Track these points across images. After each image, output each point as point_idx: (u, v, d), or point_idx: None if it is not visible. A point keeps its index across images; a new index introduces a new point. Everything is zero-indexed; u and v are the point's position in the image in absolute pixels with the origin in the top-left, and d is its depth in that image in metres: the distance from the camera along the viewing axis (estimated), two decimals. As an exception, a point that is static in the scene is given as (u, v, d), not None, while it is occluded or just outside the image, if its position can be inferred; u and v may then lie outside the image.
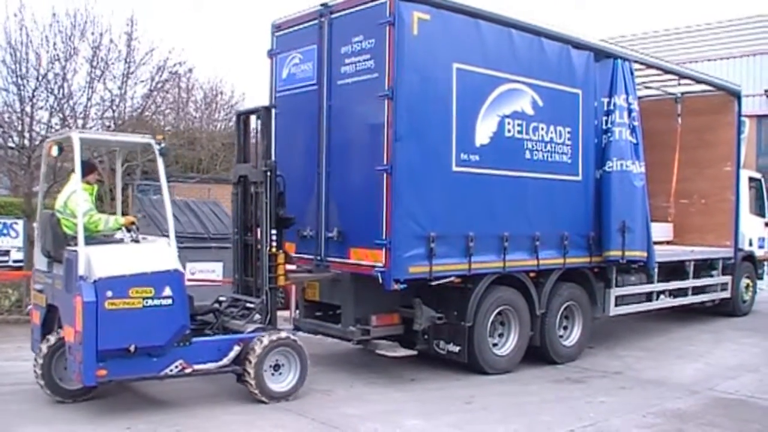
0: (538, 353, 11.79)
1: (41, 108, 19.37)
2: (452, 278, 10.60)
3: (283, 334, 9.56)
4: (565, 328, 12.31)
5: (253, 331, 9.51)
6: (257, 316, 9.78)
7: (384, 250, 9.77)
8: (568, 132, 11.83)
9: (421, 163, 9.99)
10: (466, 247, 10.45)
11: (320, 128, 10.81)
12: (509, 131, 11.04)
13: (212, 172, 30.26)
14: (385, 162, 9.75)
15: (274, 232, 9.88)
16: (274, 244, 9.91)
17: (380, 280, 9.79)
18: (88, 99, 20.51)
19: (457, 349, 10.80)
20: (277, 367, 9.44)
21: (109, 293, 8.45)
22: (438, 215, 10.17)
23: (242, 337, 9.37)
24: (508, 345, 11.40)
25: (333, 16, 10.69)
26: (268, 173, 9.91)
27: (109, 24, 20.49)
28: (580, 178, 12.05)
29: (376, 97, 9.86)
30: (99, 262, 8.58)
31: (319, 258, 10.88)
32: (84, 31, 19.93)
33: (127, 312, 8.51)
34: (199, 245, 16.72)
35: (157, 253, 9.14)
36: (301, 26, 11.29)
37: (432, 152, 10.16)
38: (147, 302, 8.62)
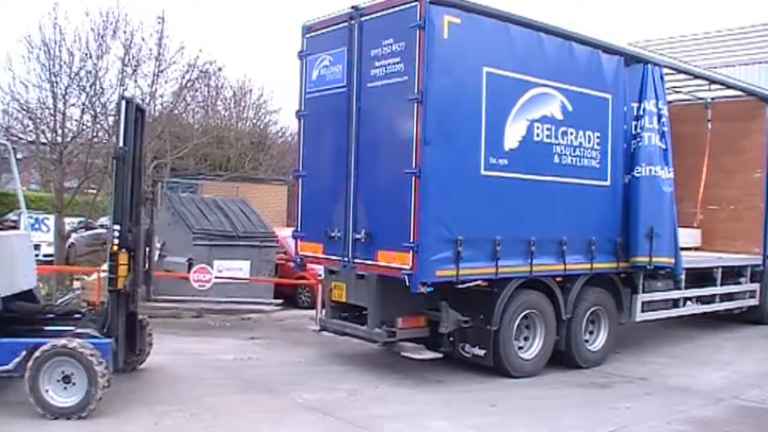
0: (563, 357, 11.77)
1: (73, 105, 19.59)
2: (479, 282, 10.61)
3: (73, 343, 8.45)
4: (591, 332, 12.27)
5: (54, 336, 8.80)
6: (90, 321, 9.40)
7: (411, 252, 9.79)
8: (597, 137, 11.79)
9: (449, 166, 10.01)
10: (493, 251, 10.45)
11: (349, 130, 10.83)
12: (538, 135, 11.03)
13: (240, 171, 30.38)
14: (413, 165, 9.77)
15: (116, 227, 9.18)
16: (116, 241, 9.20)
17: (407, 283, 9.81)
18: (120, 96, 20.65)
19: (482, 352, 10.80)
20: (67, 379, 8.46)
21: None
22: (465, 219, 10.17)
23: (30, 342, 8.62)
24: (533, 349, 11.39)
25: (363, 18, 10.72)
26: (116, 161, 9.27)
27: (140, 22, 20.61)
28: (608, 183, 12.01)
29: (405, 100, 9.88)
30: None
31: (346, 259, 10.91)
32: (116, 30, 20.11)
33: None
34: (227, 243, 16.86)
35: None
36: (331, 28, 11.32)
37: (461, 156, 10.17)
38: None
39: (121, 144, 9.25)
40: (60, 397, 8.45)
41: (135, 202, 9.65)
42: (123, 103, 9.36)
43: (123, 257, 9.17)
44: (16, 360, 8.56)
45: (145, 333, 10.42)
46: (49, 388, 8.44)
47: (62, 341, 8.49)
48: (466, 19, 10.10)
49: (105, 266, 9.76)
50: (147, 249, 10.01)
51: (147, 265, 9.99)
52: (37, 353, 8.37)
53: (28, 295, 10.05)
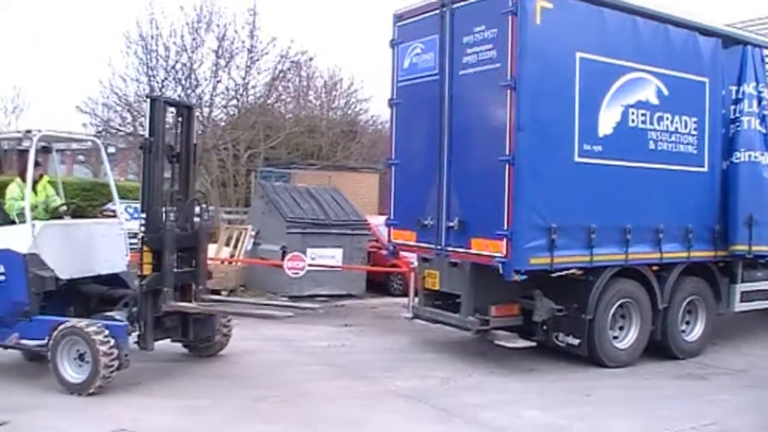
0: (658, 348, 11.55)
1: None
2: (573, 270, 10.51)
3: (81, 324, 9.02)
4: (688, 323, 12.02)
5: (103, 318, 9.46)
6: (127, 305, 9.82)
7: (505, 240, 9.75)
8: (694, 122, 11.53)
9: (543, 153, 9.92)
10: (588, 239, 10.34)
11: (442, 118, 10.82)
12: (633, 121, 10.86)
13: (332, 160, 30.59)
14: (507, 152, 9.72)
15: (126, 204, 9.64)
16: (143, 229, 9.63)
17: (500, 271, 9.78)
18: (214, 88, 21.07)
19: (576, 341, 10.70)
20: (81, 357, 8.98)
21: None
22: (559, 206, 10.07)
23: (56, 321, 9.24)
24: (628, 338, 11.22)
25: (455, 5, 10.68)
26: (143, 151, 9.78)
27: (233, 15, 20.94)
28: (705, 169, 11.72)
29: (498, 87, 9.83)
30: None
31: (439, 247, 10.91)
32: (210, 23, 20.47)
33: None
34: (319, 231, 17.00)
35: (11, 235, 9.65)
36: (422, 16, 11.32)
37: (554, 143, 10.08)
38: None
39: (147, 135, 9.69)
40: (74, 373, 9.01)
41: (187, 200, 10.16)
42: (149, 101, 9.88)
43: (147, 255, 9.51)
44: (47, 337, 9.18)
45: (209, 323, 10.53)
46: (66, 364, 9.05)
47: (73, 321, 9.13)
48: (559, 4, 9.97)
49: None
50: (196, 248, 10.24)
51: (196, 264, 10.21)
52: (55, 332, 9.03)
53: (116, 279, 10.48)
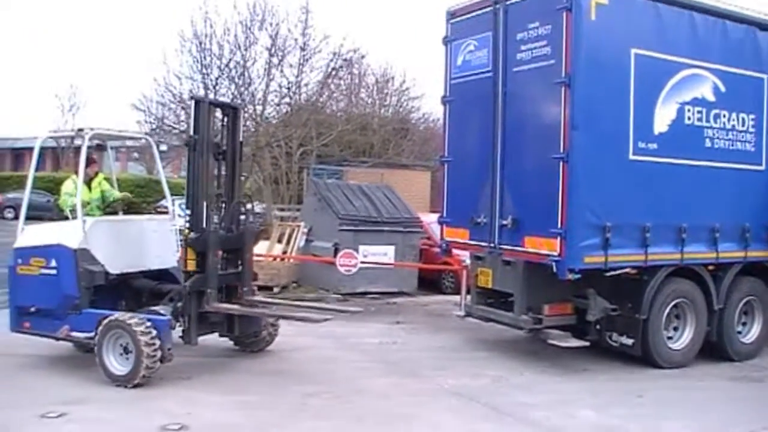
0: (714, 349, 11.38)
1: (223, 95, 20.19)
2: (627, 269, 10.41)
3: (125, 317, 9.22)
4: (744, 324, 11.81)
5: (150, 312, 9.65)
6: (173, 300, 9.94)
7: (559, 239, 9.70)
8: (752, 119, 11.34)
9: (597, 151, 9.85)
10: (642, 238, 10.24)
11: (495, 115, 10.77)
12: (689, 119, 10.72)
13: (384, 157, 30.63)
14: (561, 150, 9.66)
15: (180, 201, 9.84)
16: (188, 225, 9.79)
17: (554, 269, 9.73)
18: (267, 86, 21.20)
19: (630, 341, 10.59)
20: (126, 349, 9.13)
21: (20, 260, 10.01)
22: (614, 205, 10.00)
23: (102, 314, 9.43)
24: (683, 339, 11.08)
25: (508, 2, 10.65)
26: (188, 148, 10.00)
27: (285, 13, 21.06)
28: (763, 167, 11.52)
29: (552, 84, 9.78)
30: (23, 234, 10.19)
31: (492, 245, 10.88)
32: (263, 21, 20.59)
33: (29, 277, 9.92)
34: (371, 228, 17.02)
35: (63, 230, 9.95)
36: (476, 13, 11.29)
37: (609, 140, 10.00)
38: (41, 271, 9.80)
39: (191, 133, 9.94)
40: (119, 365, 9.18)
41: (231, 202, 10.26)
42: (193, 102, 10.17)
43: (191, 252, 9.65)
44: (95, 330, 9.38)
45: (254, 319, 10.58)
46: (111, 356, 9.24)
47: (118, 315, 9.32)
48: (614, 0, 9.87)
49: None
50: (242, 249, 10.35)
51: (241, 266, 10.33)
52: (101, 325, 9.25)
53: (166, 275, 10.67)
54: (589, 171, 9.76)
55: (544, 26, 10.04)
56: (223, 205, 10.24)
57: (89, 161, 10.67)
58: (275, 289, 16.59)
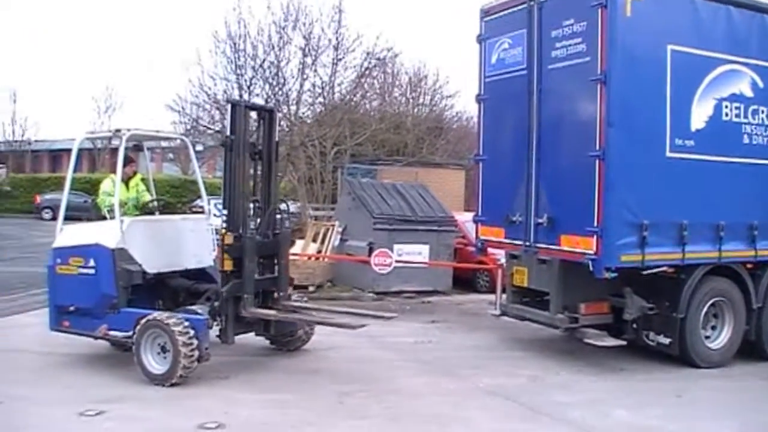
0: (753, 348, 11.23)
1: (257, 95, 20.26)
2: (664, 268, 10.33)
3: (162, 317, 9.29)
4: (784, 322, 11.68)
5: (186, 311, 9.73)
6: (210, 300, 10.01)
7: (595, 237, 9.64)
8: (791, 115, 11.21)
9: (634, 148, 9.77)
10: (680, 236, 10.15)
11: (530, 113, 10.73)
12: (726, 115, 10.61)
13: (418, 156, 30.60)
14: (597, 148, 9.61)
15: (216, 201, 9.81)
16: (225, 225, 9.87)
17: (590, 268, 9.67)
18: (300, 86, 21.26)
19: (667, 340, 10.49)
20: (164, 348, 9.19)
21: (59, 260, 10.10)
22: (651, 202, 9.92)
23: (140, 313, 9.50)
24: (721, 338, 10.96)
25: (543, -1, 10.60)
26: (224, 148, 10.03)
27: (319, 12, 21.10)
28: (803, 164, 11.38)
29: (588, 82, 9.72)
30: (62, 234, 10.29)
31: (527, 244, 10.84)
32: (296, 21, 20.64)
33: (68, 277, 10.01)
34: (406, 227, 17.01)
35: (101, 230, 10.05)
36: (510, 11, 11.26)
37: (645, 138, 9.92)
38: (80, 270, 9.88)
39: (228, 133, 10.02)
40: (157, 364, 9.24)
41: (267, 207, 10.32)
42: (230, 106, 10.32)
43: (228, 238, 9.70)
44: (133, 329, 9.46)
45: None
46: (149, 355, 9.30)
47: (155, 314, 9.39)
48: (650, -4, 9.82)
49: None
50: (278, 254, 10.38)
51: (277, 271, 10.34)
52: (139, 324, 9.32)
53: (203, 274, 10.76)
54: (625, 169, 9.69)
55: (579, 23, 9.97)
56: (260, 208, 10.29)
57: (128, 161, 10.80)
58: (310, 288, 16.64)
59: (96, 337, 10.03)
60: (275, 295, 10.30)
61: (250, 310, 9.73)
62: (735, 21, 10.64)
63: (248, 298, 9.70)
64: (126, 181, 10.84)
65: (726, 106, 10.59)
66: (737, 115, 10.71)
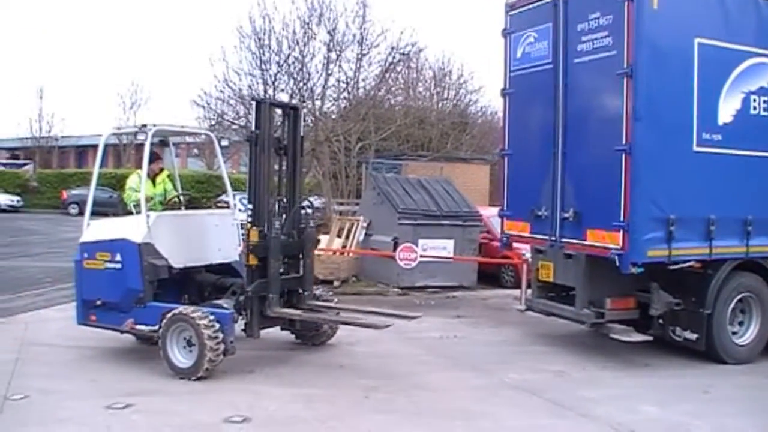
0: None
1: (282, 91, 20.31)
2: (691, 263, 10.27)
3: (187, 310, 9.40)
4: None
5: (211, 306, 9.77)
6: (235, 294, 10.07)
7: (622, 232, 9.59)
8: (821, 109, 11.08)
9: (661, 143, 9.70)
10: (707, 231, 10.08)
11: (556, 107, 10.68)
12: (755, 109, 10.52)
13: (443, 151, 30.57)
14: (624, 142, 9.54)
15: (241, 196, 9.91)
16: (250, 219, 9.86)
17: (617, 263, 9.63)
18: (325, 81, 21.29)
19: (694, 336, 10.43)
20: (190, 342, 9.27)
21: (86, 255, 10.20)
22: (678, 197, 9.85)
23: (166, 307, 9.56)
24: (748, 334, 10.86)
25: (568, -8, 10.54)
26: (249, 143, 10.08)
27: (343, 7, 21.12)
28: (831, 157, 11.26)
29: (614, 76, 9.66)
30: (89, 229, 10.40)
31: (553, 238, 10.80)
32: (321, 16, 20.67)
33: (95, 271, 10.10)
34: (431, 222, 17.01)
35: (127, 225, 10.12)
36: (535, 5, 11.21)
37: (672, 132, 9.85)
38: (107, 265, 10.00)
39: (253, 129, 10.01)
40: (183, 358, 9.33)
41: (290, 206, 10.35)
42: (255, 104, 10.18)
43: (253, 234, 9.74)
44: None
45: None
46: (175, 349, 9.39)
47: (181, 308, 9.47)
48: (677, -11, 9.75)
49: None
50: (303, 253, 10.44)
51: (303, 270, 10.40)
52: (165, 318, 9.39)
53: (228, 268, 10.83)
54: (652, 163, 9.62)
55: (605, 16, 9.91)
56: (284, 206, 10.30)
57: (154, 157, 10.86)
58: (335, 283, 16.67)
59: (122, 331, 10.12)
60: (300, 294, 10.35)
61: (275, 310, 9.78)
62: (763, 13, 10.55)
63: (273, 298, 9.75)
64: (153, 177, 10.90)
65: (754, 100, 10.50)
66: (765, 109, 10.61)
